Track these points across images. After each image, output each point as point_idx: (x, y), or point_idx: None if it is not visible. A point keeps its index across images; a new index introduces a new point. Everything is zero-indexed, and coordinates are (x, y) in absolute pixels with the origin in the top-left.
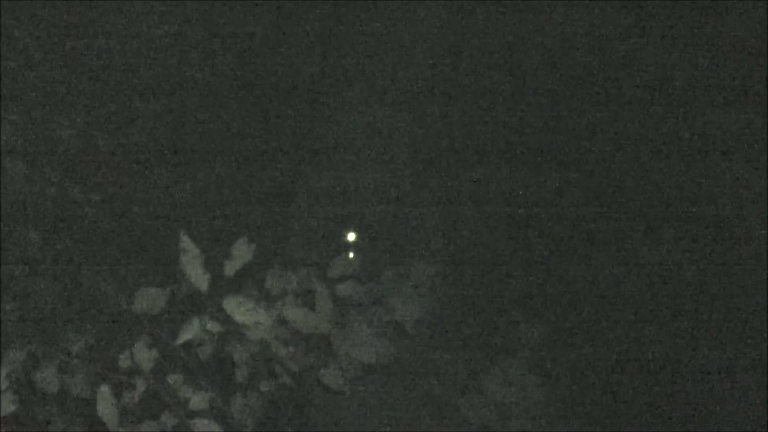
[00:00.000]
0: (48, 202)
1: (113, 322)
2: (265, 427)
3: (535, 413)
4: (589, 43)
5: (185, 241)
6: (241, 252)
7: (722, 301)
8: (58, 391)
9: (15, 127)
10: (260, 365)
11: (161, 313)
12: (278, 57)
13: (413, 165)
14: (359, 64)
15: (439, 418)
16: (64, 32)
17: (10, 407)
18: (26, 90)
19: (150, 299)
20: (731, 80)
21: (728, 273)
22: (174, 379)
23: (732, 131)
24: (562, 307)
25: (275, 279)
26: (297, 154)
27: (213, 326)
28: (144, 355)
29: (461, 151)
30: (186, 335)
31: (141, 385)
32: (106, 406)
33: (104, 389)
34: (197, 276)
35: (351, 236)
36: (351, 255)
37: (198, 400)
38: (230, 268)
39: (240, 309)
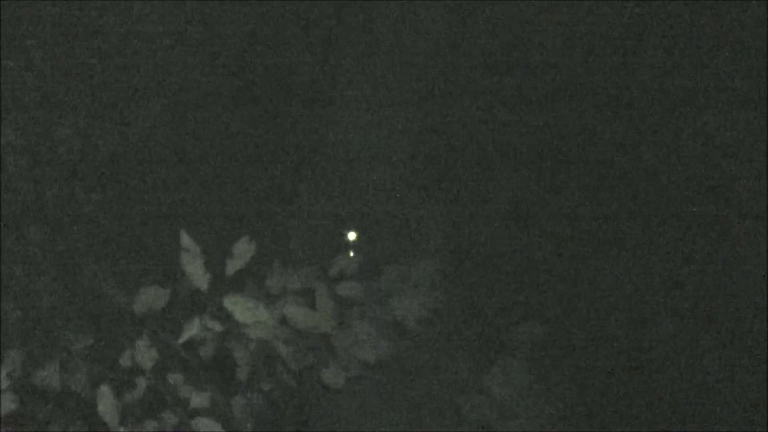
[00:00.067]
0: (49, 201)
1: (114, 321)
2: (266, 426)
3: (535, 413)
4: (590, 43)
5: (186, 240)
6: (243, 251)
7: (723, 300)
8: (59, 391)
9: (16, 126)
10: (261, 364)
11: (162, 312)
12: (279, 56)
13: (414, 164)
14: (361, 63)
15: (439, 418)
16: (65, 31)
17: (10, 406)
18: (27, 89)
19: (151, 298)
20: (732, 81)
21: (728, 273)
22: (175, 378)
23: (732, 131)
24: (563, 307)
25: (276, 278)
26: (298, 153)
27: (214, 325)
28: (145, 354)
29: (463, 150)
30: (187, 334)
31: (142, 384)
32: (106, 405)
33: (105, 388)
34: (198, 275)
35: (352, 235)
36: (352, 254)
37: (199, 399)
38: (232, 267)
39: (241, 308)
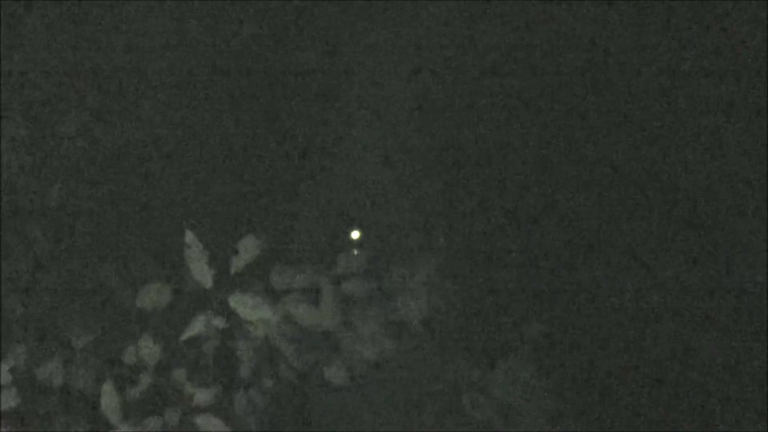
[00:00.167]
0: (53, 197)
1: (117, 317)
2: (269, 423)
3: (539, 412)
4: (594, 45)
5: (190, 237)
6: (248, 249)
7: (726, 301)
8: (62, 386)
9: (20, 123)
10: (264, 362)
11: (166, 308)
12: (285, 55)
13: (419, 163)
14: (366, 62)
15: (442, 417)
16: (70, 29)
17: (12, 402)
18: (31, 86)
19: (154, 295)
20: (732, 81)
21: (730, 273)
22: (178, 374)
23: (733, 132)
24: (567, 307)
25: (280, 276)
26: (303, 151)
27: (218, 322)
28: (148, 350)
29: (467, 149)
30: (191, 331)
31: (145, 381)
32: (109, 402)
33: (108, 384)
34: (202, 272)
35: (356, 234)
36: (356, 252)
37: (202, 396)
38: (237, 265)
39: (245, 306)
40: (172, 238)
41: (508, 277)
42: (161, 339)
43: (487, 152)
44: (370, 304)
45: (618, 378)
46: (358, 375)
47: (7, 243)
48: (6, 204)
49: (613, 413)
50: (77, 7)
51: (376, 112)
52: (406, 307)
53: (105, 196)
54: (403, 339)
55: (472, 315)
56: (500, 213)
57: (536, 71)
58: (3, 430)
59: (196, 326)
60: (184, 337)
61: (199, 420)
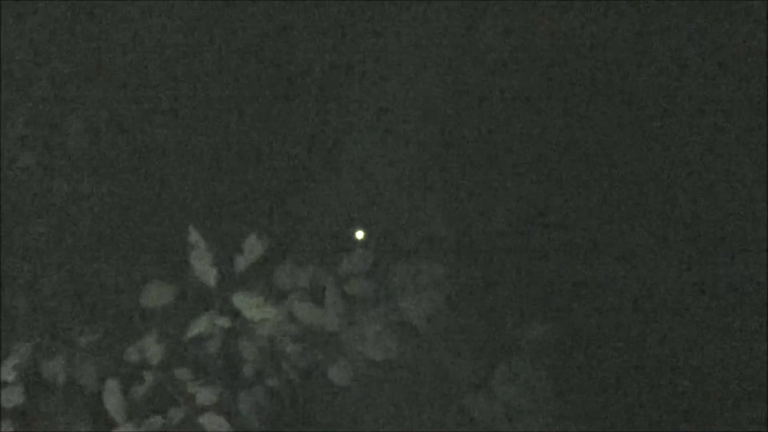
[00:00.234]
0: (57, 195)
1: (121, 315)
2: (272, 423)
3: (543, 413)
4: (599, 44)
5: (194, 236)
6: (253, 248)
7: (729, 301)
8: (65, 385)
9: (24, 120)
10: (268, 361)
11: (169, 307)
12: (290, 55)
13: (424, 163)
14: (371, 62)
15: (446, 417)
16: (76, 27)
17: (16, 400)
18: (35, 84)
19: (158, 294)
20: (732, 81)
21: (733, 273)
22: (182, 373)
23: (734, 132)
24: (571, 307)
25: (284, 275)
26: (308, 151)
27: (222, 322)
28: (152, 349)
29: (472, 149)
30: (195, 330)
31: (149, 380)
32: (113, 400)
33: (111, 383)
34: (206, 271)
35: (360, 234)
36: (360, 252)
37: (205, 395)
38: (241, 264)
39: (249, 305)
40: (177, 237)
41: (511, 278)
42: (165, 338)
43: (491, 152)
44: (373, 304)
45: (620, 378)
46: (361, 375)
47: (12, 241)
48: (11, 202)
49: (615, 413)
50: (82, 5)
51: (380, 112)
52: (410, 307)
53: (109, 194)
54: (406, 339)
55: (475, 315)
56: (503, 213)
57: (538, 71)
58: (7, 429)
59: (200, 325)
60: (188, 336)
61: (203, 419)
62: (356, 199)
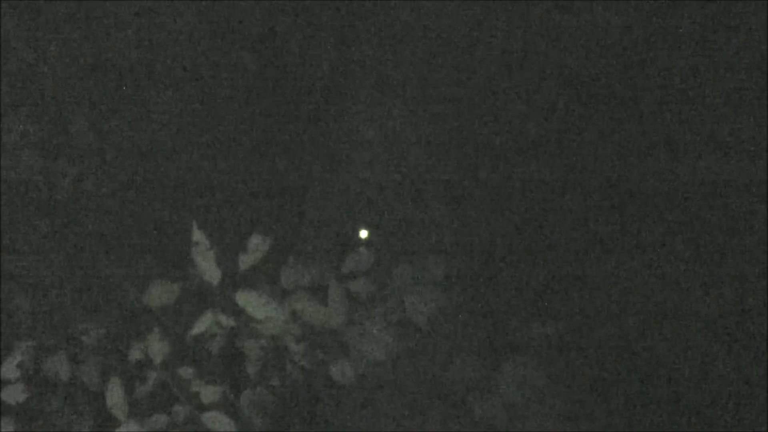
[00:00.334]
0: (61, 193)
1: (125, 314)
2: (275, 421)
3: (546, 412)
4: (602, 43)
5: (198, 235)
6: (257, 246)
7: (731, 302)
8: (68, 383)
9: (29, 118)
10: (271, 360)
11: (173, 306)
12: (294, 54)
13: (427, 162)
14: (375, 62)
15: (449, 417)
16: (81, 25)
17: (19, 398)
18: (40, 82)
19: (162, 292)
20: (732, 81)
21: (734, 274)
22: (185, 372)
23: (734, 133)
24: (575, 306)
25: (288, 274)
26: (312, 150)
27: (225, 320)
28: (155, 347)
29: (475, 148)
30: (198, 329)
31: (152, 378)
32: (116, 398)
33: (115, 381)
34: (209, 269)
35: (364, 233)
36: (364, 251)
37: (209, 393)
38: (245, 263)
39: (253, 304)
40: (180, 235)
41: (514, 277)
42: (168, 336)
43: (495, 152)
44: (377, 303)
45: (624, 378)
46: (364, 374)
47: (16, 238)
48: (15, 199)
49: (619, 413)
50: (87, 2)
51: (384, 111)
52: (413, 306)
53: (113, 192)
54: (409, 338)
55: (478, 314)
56: (507, 213)
57: (542, 71)
58: (9, 428)
59: (204, 324)
60: (192, 334)
61: (206, 418)
62: (360, 199)
